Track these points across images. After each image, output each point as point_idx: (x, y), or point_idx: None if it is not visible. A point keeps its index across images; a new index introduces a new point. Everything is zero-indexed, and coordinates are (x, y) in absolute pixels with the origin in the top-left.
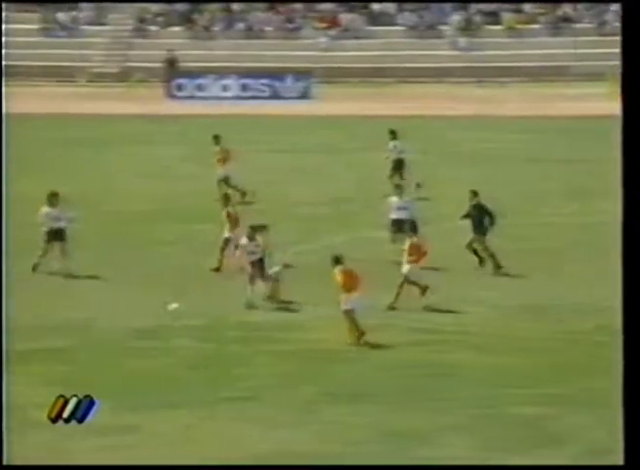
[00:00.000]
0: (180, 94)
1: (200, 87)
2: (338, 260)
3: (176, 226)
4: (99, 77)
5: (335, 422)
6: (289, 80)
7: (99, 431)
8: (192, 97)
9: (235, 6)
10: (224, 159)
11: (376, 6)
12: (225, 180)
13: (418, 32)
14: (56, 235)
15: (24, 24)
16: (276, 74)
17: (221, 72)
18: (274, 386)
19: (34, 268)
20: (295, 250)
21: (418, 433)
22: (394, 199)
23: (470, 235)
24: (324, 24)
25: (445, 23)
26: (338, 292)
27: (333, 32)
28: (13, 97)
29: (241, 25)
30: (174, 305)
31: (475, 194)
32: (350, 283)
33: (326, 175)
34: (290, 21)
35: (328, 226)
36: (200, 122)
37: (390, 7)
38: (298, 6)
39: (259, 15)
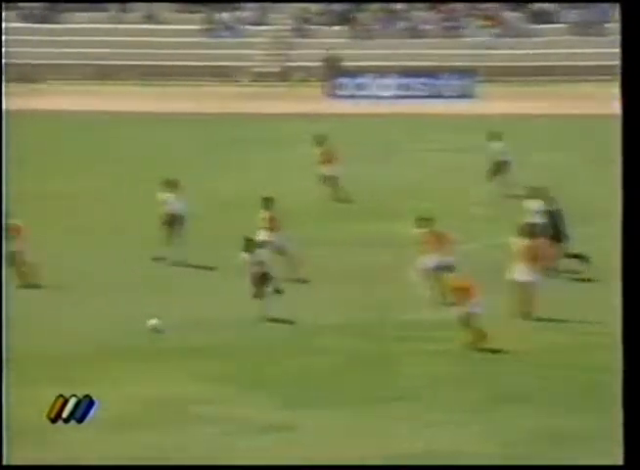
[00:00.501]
0: (341, 93)
1: (360, 86)
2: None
3: (342, 225)
4: (261, 77)
5: (495, 422)
6: (450, 79)
7: (258, 428)
8: (352, 96)
9: (396, 5)
10: (328, 160)
11: (538, 4)
12: (330, 180)
13: (581, 30)
14: (172, 220)
15: (188, 25)
16: (437, 73)
17: (382, 71)
18: (432, 386)
19: (178, 264)
20: (461, 250)
21: (574, 435)
22: (531, 203)
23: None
24: (487, 23)
25: (609, 21)
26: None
27: (495, 31)
28: (173, 97)
29: (401, 24)
30: (153, 321)
31: (551, 200)
32: (464, 290)
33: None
34: (451, 19)
35: (492, 226)
36: (361, 122)
37: (552, 5)
38: (460, 5)
39: (420, 14)
